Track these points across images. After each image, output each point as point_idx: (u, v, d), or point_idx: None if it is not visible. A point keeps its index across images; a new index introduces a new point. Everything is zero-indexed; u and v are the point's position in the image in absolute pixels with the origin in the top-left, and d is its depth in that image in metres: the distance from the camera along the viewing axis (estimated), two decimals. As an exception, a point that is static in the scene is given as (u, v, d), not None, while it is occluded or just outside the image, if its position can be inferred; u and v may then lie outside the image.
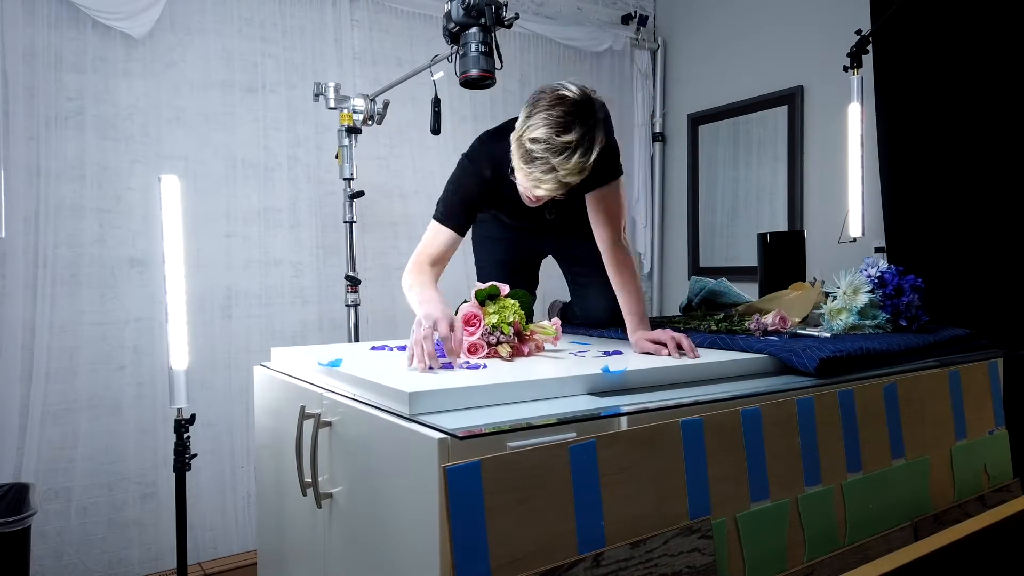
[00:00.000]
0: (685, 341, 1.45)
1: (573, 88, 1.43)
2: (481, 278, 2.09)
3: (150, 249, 2.48)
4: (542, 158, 1.40)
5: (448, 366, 1.31)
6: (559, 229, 2.00)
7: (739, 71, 3.40)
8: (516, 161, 1.46)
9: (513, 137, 1.46)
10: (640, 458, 1.01)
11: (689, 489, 1.06)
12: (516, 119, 1.59)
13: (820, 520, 1.23)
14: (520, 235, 2.05)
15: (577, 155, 1.40)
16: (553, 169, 1.40)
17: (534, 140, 1.40)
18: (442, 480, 0.86)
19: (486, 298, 1.46)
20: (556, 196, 1.49)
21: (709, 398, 1.16)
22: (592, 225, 1.75)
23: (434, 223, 1.71)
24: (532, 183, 1.46)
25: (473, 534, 0.86)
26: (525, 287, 1.97)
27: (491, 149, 1.68)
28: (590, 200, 1.72)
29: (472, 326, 1.41)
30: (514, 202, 1.66)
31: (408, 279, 1.65)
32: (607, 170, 1.65)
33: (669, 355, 1.43)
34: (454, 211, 1.70)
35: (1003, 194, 2.35)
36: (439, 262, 1.69)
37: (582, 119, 1.41)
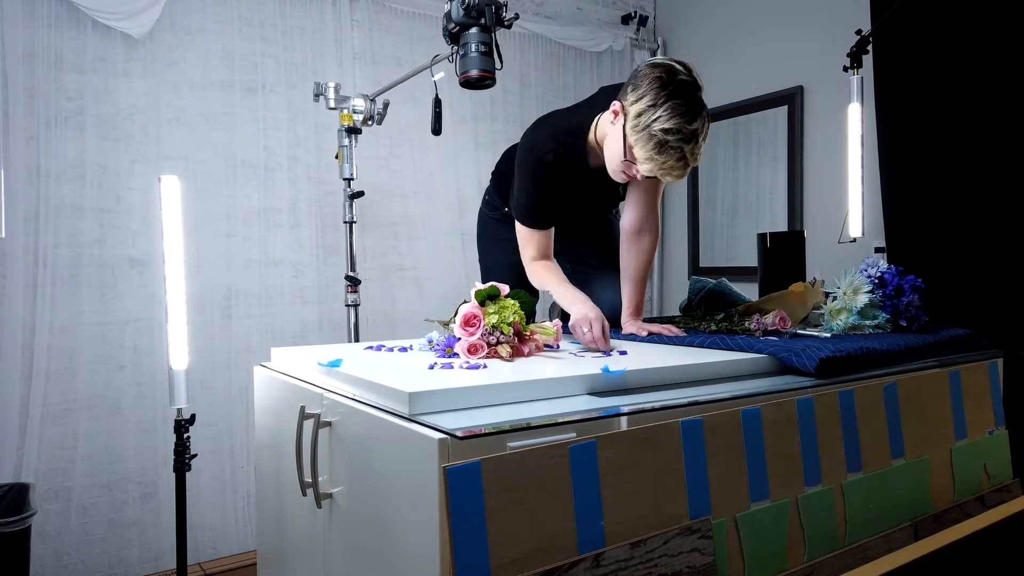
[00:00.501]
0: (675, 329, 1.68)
1: (682, 69, 1.50)
2: (486, 279, 2.10)
3: (150, 249, 2.48)
4: (676, 147, 1.47)
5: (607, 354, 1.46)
6: (590, 221, 2.09)
7: (739, 71, 3.40)
8: (642, 150, 1.50)
9: (634, 125, 1.50)
10: (640, 458, 1.01)
11: (689, 489, 1.06)
12: (572, 107, 1.79)
13: (820, 520, 1.23)
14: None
15: (702, 139, 1.49)
16: (684, 156, 1.48)
17: (667, 131, 1.46)
18: (442, 480, 0.86)
19: (486, 298, 1.46)
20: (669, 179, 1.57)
21: (709, 398, 1.16)
22: (637, 206, 1.86)
23: (525, 229, 1.80)
24: (663, 171, 1.51)
25: (473, 534, 0.86)
26: (530, 288, 1.98)
27: (548, 135, 1.74)
28: (645, 184, 1.81)
29: (472, 326, 1.41)
30: (580, 179, 1.75)
31: (537, 276, 1.80)
32: None
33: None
34: (539, 210, 1.78)
35: (1003, 194, 2.35)
36: (547, 256, 1.82)
37: (701, 103, 1.49)
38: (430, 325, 1.71)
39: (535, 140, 1.75)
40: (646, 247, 1.90)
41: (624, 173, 1.61)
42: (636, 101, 1.50)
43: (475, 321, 1.41)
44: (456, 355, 1.41)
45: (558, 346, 1.55)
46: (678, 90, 1.46)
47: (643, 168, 1.54)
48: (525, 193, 1.76)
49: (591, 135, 1.72)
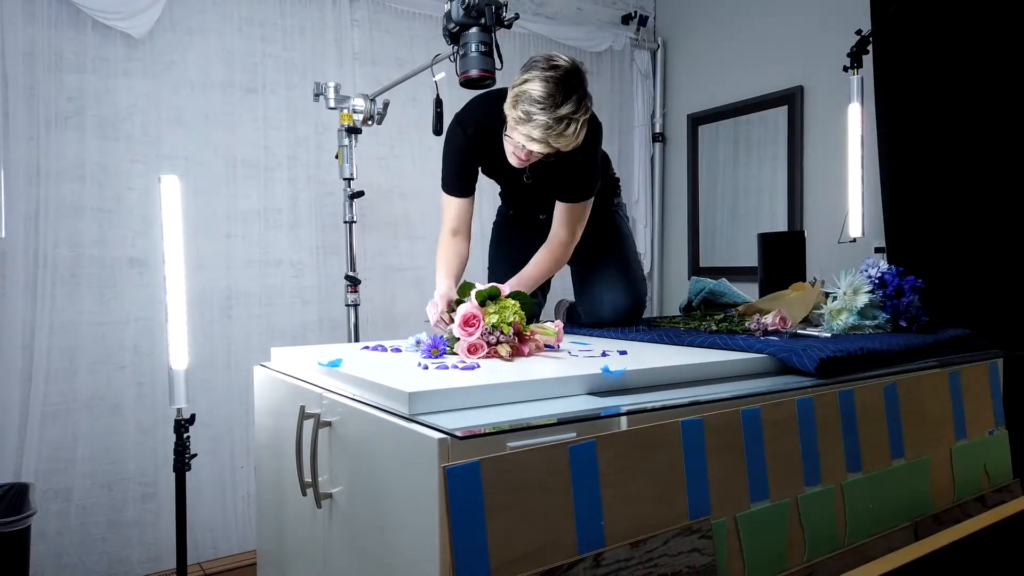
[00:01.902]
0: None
1: (564, 58, 1.62)
2: (492, 280, 2.12)
3: (150, 249, 2.48)
4: (538, 118, 1.56)
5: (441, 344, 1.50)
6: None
7: (739, 71, 3.40)
8: (512, 120, 1.62)
9: (509, 96, 1.62)
10: (640, 458, 1.01)
11: (689, 489, 1.06)
12: (502, 88, 1.81)
13: (820, 520, 1.23)
14: (529, 235, 2.07)
15: (571, 112, 1.57)
16: (547, 127, 1.57)
17: (532, 100, 1.56)
18: (442, 480, 0.86)
19: (486, 298, 1.46)
20: (545, 157, 1.67)
21: (709, 398, 1.16)
22: (554, 217, 1.92)
23: (443, 195, 1.93)
24: (525, 139, 1.62)
25: (473, 534, 0.86)
26: (537, 290, 2.00)
27: (476, 112, 1.86)
28: (560, 207, 1.89)
29: (471, 326, 1.41)
30: (496, 162, 1.83)
31: (439, 258, 1.91)
32: (585, 178, 1.85)
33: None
34: (450, 175, 1.91)
35: (1003, 194, 2.35)
36: (459, 231, 1.93)
37: (577, 86, 1.59)
38: (428, 325, 1.71)
39: (465, 111, 1.87)
40: (550, 252, 1.91)
41: (514, 154, 1.72)
42: (518, 77, 1.62)
43: (474, 321, 1.41)
44: (442, 355, 1.41)
45: (558, 346, 1.55)
46: (552, 69, 1.57)
47: (514, 136, 1.64)
48: (443, 157, 1.92)
49: None
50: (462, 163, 1.89)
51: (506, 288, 1.61)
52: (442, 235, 1.94)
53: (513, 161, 1.74)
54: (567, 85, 1.57)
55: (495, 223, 2.31)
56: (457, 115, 1.88)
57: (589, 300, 2.07)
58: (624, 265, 2.06)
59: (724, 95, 3.47)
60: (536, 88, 1.56)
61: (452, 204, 1.92)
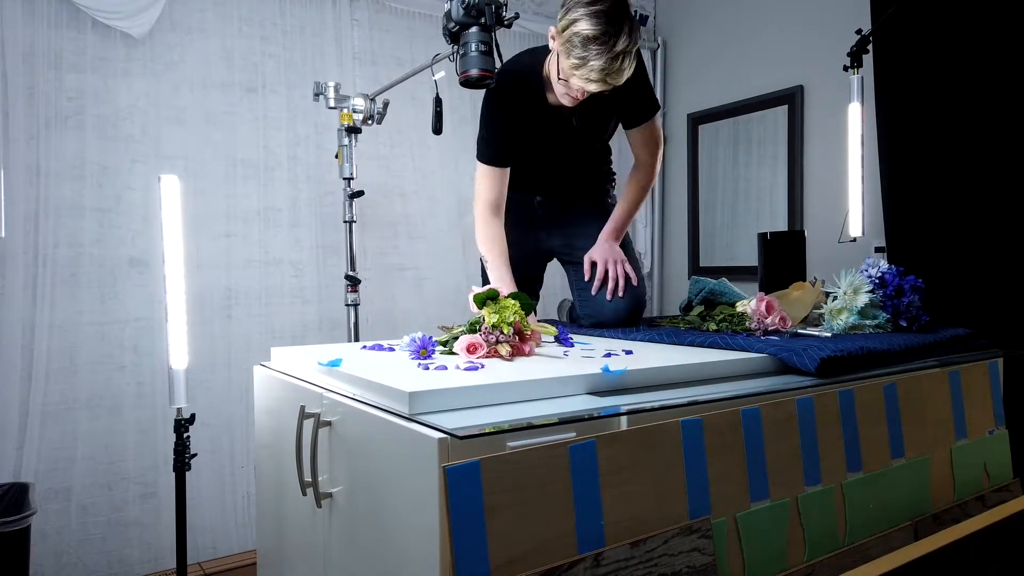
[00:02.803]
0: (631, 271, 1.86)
1: None
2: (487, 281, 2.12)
3: (150, 249, 2.48)
4: (594, 62, 1.54)
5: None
6: (559, 217, 2.13)
7: (739, 71, 3.40)
8: (566, 60, 1.59)
9: (557, 41, 1.60)
10: (640, 458, 1.01)
11: (689, 489, 1.06)
12: (530, 50, 1.85)
13: (820, 520, 1.23)
14: (526, 232, 2.09)
15: (625, 43, 1.54)
16: (604, 61, 1.54)
17: (584, 41, 1.53)
18: (442, 480, 0.86)
19: (485, 300, 1.46)
20: (604, 91, 1.63)
21: (709, 398, 1.16)
22: (636, 152, 2.00)
23: (480, 166, 1.86)
24: (583, 82, 1.59)
25: (473, 534, 0.86)
26: (528, 289, 1.99)
27: (512, 71, 1.83)
28: (635, 135, 1.96)
29: (473, 354, 1.41)
30: (534, 120, 1.81)
31: (480, 242, 1.84)
32: (645, 98, 1.89)
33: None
34: (495, 139, 1.85)
35: (1003, 194, 2.35)
36: (499, 207, 1.88)
37: (625, 13, 1.56)
38: (425, 326, 1.71)
39: (505, 70, 1.83)
40: (635, 182, 2.02)
41: (568, 95, 1.70)
42: (562, 18, 1.59)
43: (475, 349, 1.41)
44: (430, 356, 1.40)
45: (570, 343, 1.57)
46: (597, 2, 1.54)
47: (572, 81, 1.62)
48: (482, 124, 1.85)
49: (544, 68, 1.81)
50: (507, 124, 1.84)
51: (611, 231, 1.84)
52: (481, 215, 1.87)
53: (566, 101, 1.73)
54: (616, 18, 1.54)
55: None
56: (497, 78, 1.82)
57: (589, 301, 2.06)
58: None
59: (724, 95, 3.47)
60: (586, 28, 1.53)
61: (494, 176, 1.85)
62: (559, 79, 1.67)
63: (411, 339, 1.55)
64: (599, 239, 2.00)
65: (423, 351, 1.40)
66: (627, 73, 1.61)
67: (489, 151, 1.85)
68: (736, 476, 1.12)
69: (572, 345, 1.57)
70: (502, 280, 1.80)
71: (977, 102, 2.40)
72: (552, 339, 1.61)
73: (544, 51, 1.84)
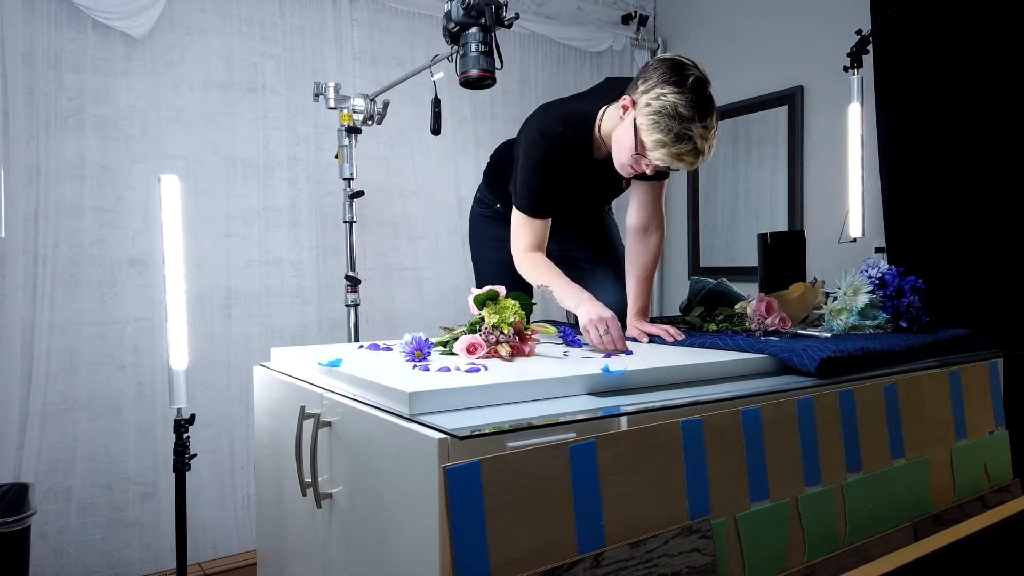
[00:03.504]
0: (673, 331, 1.67)
1: (690, 63, 1.53)
2: (481, 280, 2.10)
3: (150, 249, 2.48)
4: (687, 134, 1.47)
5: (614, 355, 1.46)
6: (585, 222, 2.08)
7: (739, 71, 3.40)
8: (651, 136, 1.51)
9: (645, 114, 1.51)
10: (640, 458, 1.01)
11: (689, 489, 1.06)
12: (570, 99, 1.79)
13: (820, 520, 1.23)
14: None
15: (714, 131, 1.51)
16: (694, 143, 1.49)
17: (679, 117, 1.47)
18: (442, 480, 0.86)
19: (485, 301, 1.46)
20: (677, 168, 1.58)
21: (709, 398, 1.16)
22: (643, 207, 1.89)
23: (522, 217, 1.75)
24: (674, 157, 1.52)
25: (473, 534, 0.86)
26: (523, 288, 1.98)
27: (559, 124, 1.72)
28: (650, 185, 1.87)
29: (472, 353, 1.41)
30: (585, 167, 1.74)
31: (535, 270, 1.73)
32: None
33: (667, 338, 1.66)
34: (542, 196, 1.73)
35: (1003, 194, 2.35)
36: (541, 247, 1.77)
37: (711, 97, 1.51)
38: (426, 326, 1.71)
39: (544, 121, 1.73)
40: (653, 245, 1.91)
41: (632, 167, 1.61)
42: (646, 92, 1.51)
43: (476, 352, 1.40)
44: (426, 358, 1.40)
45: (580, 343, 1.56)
46: (686, 80, 1.48)
47: (654, 156, 1.54)
48: (528, 176, 1.72)
49: (596, 125, 1.72)
50: (553, 179, 1.74)
51: (639, 312, 1.81)
52: (524, 254, 1.75)
53: (626, 172, 1.65)
54: (705, 99, 1.50)
55: (479, 215, 2.15)
56: (539, 129, 1.73)
57: None
58: (616, 266, 2.04)
59: (724, 95, 3.47)
60: (682, 103, 1.47)
61: (537, 226, 1.74)
62: (635, 152, 1.57)
63: (413, 338, 1.55)
64: (630, 325, 1.81)
65: (418, 353, 1.40)
66: (710, 155, 1.55)
67: (534, 205, 1.74)
68: (736, 476, 1.12)
69: (581, 346, 1.57)
70: (582, 296, 1.63)
71: (977, 102, 2.40)
72: (551, 339, 1.61)
73: (593, 100, 1.74)
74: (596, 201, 2.02)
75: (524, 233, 1.75)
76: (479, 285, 2.03)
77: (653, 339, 1.69)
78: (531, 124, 1.75)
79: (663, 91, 1.48)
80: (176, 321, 1.97)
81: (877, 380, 1.37)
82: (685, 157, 1.51)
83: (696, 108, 1.47)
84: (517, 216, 1.75)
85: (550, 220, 1.77)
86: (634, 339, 1.72)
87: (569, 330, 1.63)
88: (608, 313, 1.53)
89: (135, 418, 2.48)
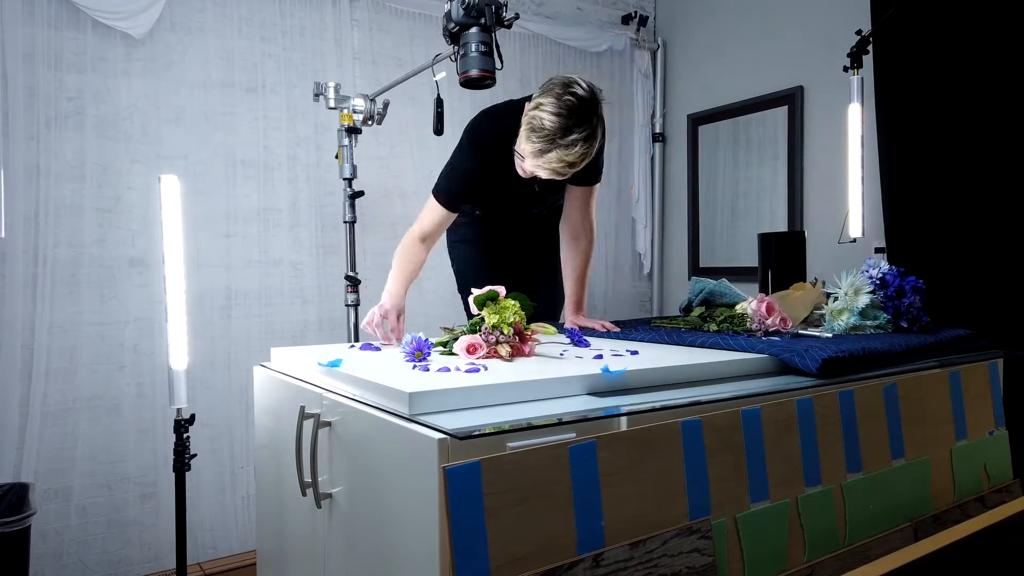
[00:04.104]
0: (607, 324, 1.83)
1: (582, 83, 1.61)
2: (460, 280, 2.26)
3: (150, 249, 2.48)
4: (549, 142, 1.57)
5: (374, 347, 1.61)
6: (534, 232, 2.20)
7: (739, 71, 3.40)
8: (524, 143, 1.62)
9: (524, 118, 1.63)
10: (640, 458, 1.01)
11: (689, 489, 1.06)
12: (516, 100, 1.85)
13: (820, 520, 1.23)
14: (505, 232, 2.17)
15: (582, 145, 1.58)
16: (556, 152, 1.58)
17: (543, 127, 1.56)
18: (442, 480, 0.86)
19: (486, 301, 1.46)
20: (555, 177, 1.68)
21: (709, 398, 1.16)
22: (571, 212, 2.00)
23: (432, 200, 1.90)
24: (537, 165, 1.63)
25: (472, 534, 0.86)
26: (509, 286, 2.02)
27: (493, 129, 1.85)
28: (576, 191, 1.97)
29: (472, 353, 1.41)
30: (507, 177, 1.82)
31: (396, 256, 1.91)
32: (595, 171, 1.91)
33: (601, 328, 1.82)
34: (455, 190, 1.88)
35: (1003, 195, 2.35)
36: (430, 238, 1.92)
37: (592, 114, 1.59)
38: (425, 326, 1.73)
39: (487, 129, 1.86)
40: (582, 251, 2.03)
41: (521, 168, 1.73)
42: (532, 105, 1.62)
43: (476, 352, 1.40)
44: (425, 358, 1.40)
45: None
46: (567, 94, 1.57)
47: (527, 164, 1.66)
48: (451, 169, 1.89)
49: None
50: (473, 181, 1.88)
51: (575, 306, 1.90)
52: (409, 238, 1.91)
53: (521, 172, 1.77)
54: (584, 115, 1.57)
55: (464, 223, 2.25)
56: (475, 130, 1.87)
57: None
58: (555, 268, 2.14)
59: (724, 95, 3.47)
60: (549, 119, 1.56)
61: (439, 214, 1.89)
62: (517, 151, 1.70)
63: (413, 338, 1.55)
64: (568, 319, 2.01)
65: (418, 353, 1.40)
66: (582, 165, 1.63)
67: (445, 194, 1.88)
68: (736, 476, 1.12)
69: (588, 345, 1.59)
70: (389, 287, 1.84)
71: (977, 102, 2.40)
72: (551, 339, 1.61)
73: (523, 108, 1.81)
74: (518, 202, 2.08)
75: (425, 217, 1.90)
76: (461, 288, 2.21)
77: (653, 339, 1.71)
78: (474, 127, 1.89)
79: (540, 103, 1.59)
80: (176, 321, 1.97)
81: (877, 380, 1.37)
82: (551, 165, 1.61)
83: (562, 123, 1.55)
84: (431, 200, 1.90)
85: (450, 215, 1.90)
86: (592, 329, 1.86)
87: (576, 331, 1.64)
88: (389, 305, 1.76)
89: (135, 418, 2.48)
